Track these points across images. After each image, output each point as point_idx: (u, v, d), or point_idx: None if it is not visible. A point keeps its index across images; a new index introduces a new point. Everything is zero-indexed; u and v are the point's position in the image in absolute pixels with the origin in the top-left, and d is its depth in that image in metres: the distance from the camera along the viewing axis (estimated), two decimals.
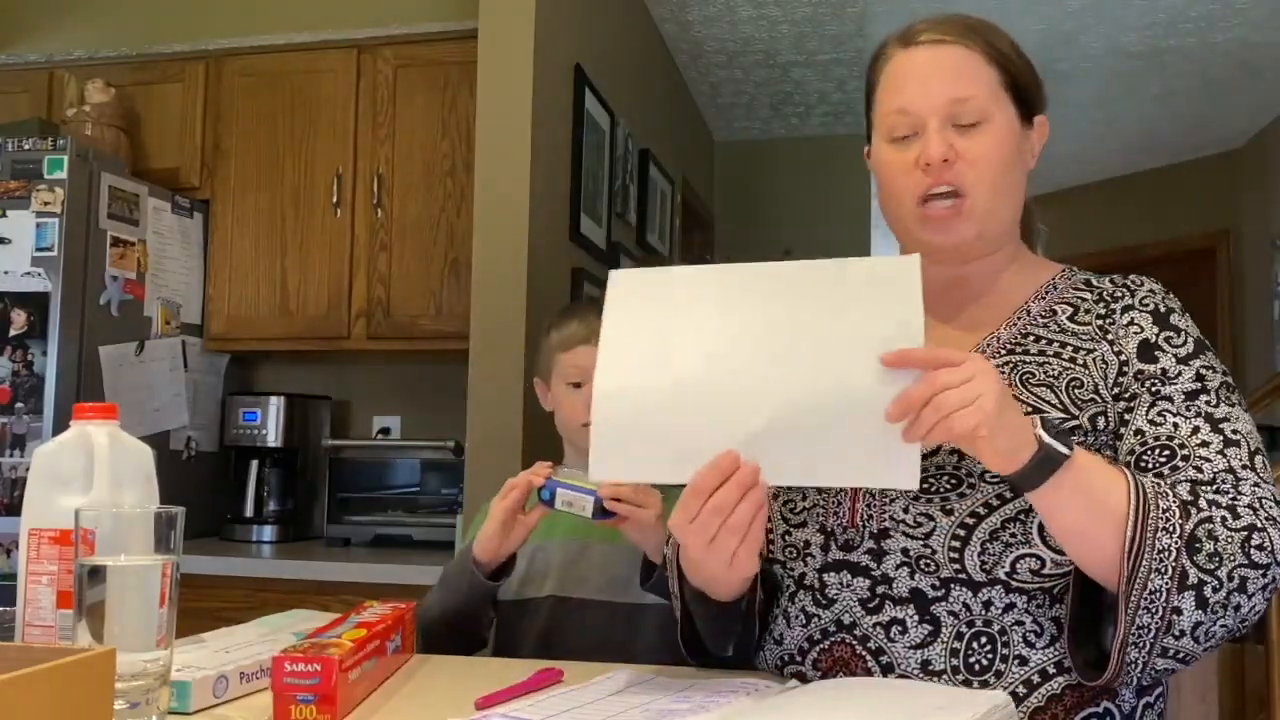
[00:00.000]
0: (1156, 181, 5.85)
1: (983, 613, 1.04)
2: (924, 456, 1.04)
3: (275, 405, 3.00)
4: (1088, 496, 0.96)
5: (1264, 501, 0.99)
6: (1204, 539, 0.96)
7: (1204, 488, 1.00)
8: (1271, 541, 0.97)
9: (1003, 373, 1.09)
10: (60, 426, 1.96)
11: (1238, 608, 0.96)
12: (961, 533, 1.04)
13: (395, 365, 3.23)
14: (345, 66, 2.99)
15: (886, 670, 1.06)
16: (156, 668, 0.90)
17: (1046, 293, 1.17)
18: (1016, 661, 1.04)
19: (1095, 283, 1.17)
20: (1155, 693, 1.10)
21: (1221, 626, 0.97)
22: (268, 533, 2.98)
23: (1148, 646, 0.96)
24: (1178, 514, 0.97)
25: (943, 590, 1.05)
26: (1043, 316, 1.14)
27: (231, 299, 3.04)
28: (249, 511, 3.01)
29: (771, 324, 1.00)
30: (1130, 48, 4.18)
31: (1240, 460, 1.02)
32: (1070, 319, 1.13)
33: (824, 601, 1.11)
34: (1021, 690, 1.02)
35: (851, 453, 0.97)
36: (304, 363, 3.27)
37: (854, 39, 4.17)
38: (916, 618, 1.06)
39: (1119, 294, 1.14)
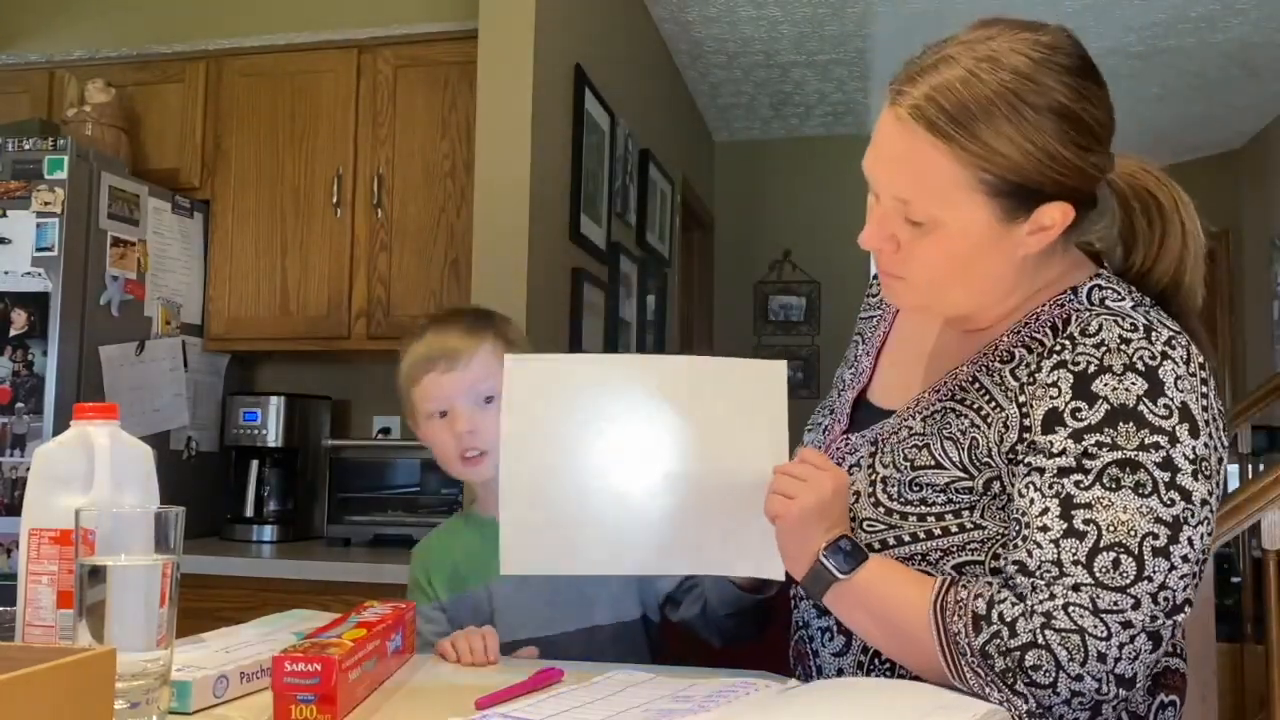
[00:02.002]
0: None
1: None
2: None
3: (275, 405, 3.00)
4: (870, 614, 1.04)
5: (1070, 609, 0.94)
6: (995, 655, 0.95)
7: (1022, 578, 0.97)
8: (1054, 658, 0.93)
9: (930, 421, 1.09)
10: (60, 426, 1.96)
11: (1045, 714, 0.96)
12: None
13: (395, 365, 3.23)
14: (345, 66, 2.99)
15: (819, 671, 1.15)
16: (156, 668, 0.90)
17: (1025, 324, 1.09)
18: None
19: (1068, 324, 1.05)
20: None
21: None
22: (268, 533, 2.98)
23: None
24: (964, 634, 0.97)
25: None
26: (1001, 361, 1.08)
27: (231, 299, 3.04)
28: (249, 511, 3.01)
29: (660, 423, 1.11)
30: (1130, 48, 4.18)
31: (1074, 555, 0.95)
32: (1013, 370, 1.06)
33: (799, 596, 1.20)
34: None
35: (725, 545, 1.11)
36: (304, 363, 3.27)
37: (854, 39, 4.17)
38: (836, 627, 1.13)
39: (1059, 346, 1.03)
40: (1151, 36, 4.10)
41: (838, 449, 1.18)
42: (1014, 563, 0.98)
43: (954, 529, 1.04)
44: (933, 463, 1.06)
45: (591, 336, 3.11)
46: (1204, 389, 1.00)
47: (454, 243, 2.86)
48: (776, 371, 1.11)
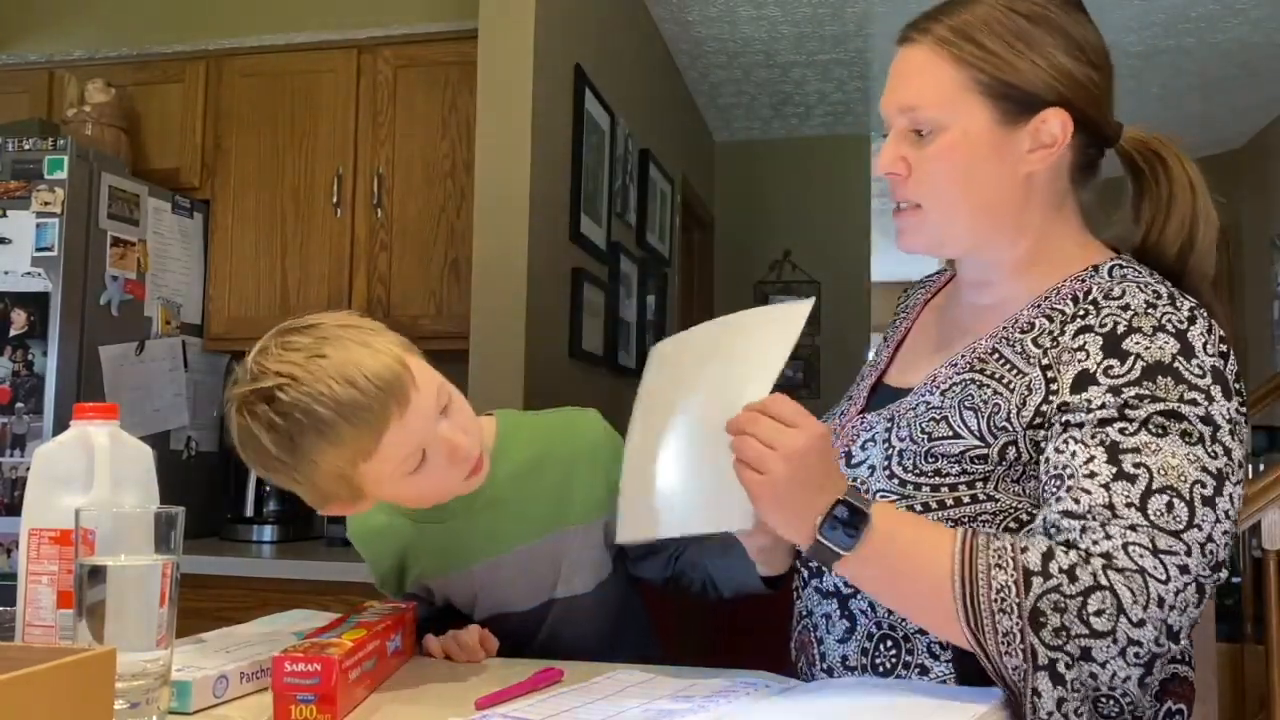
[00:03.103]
0: None
1: (888, 615, 1.07)
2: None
3: None
4: (894, 577, 0.98)
5: (1130, 548, 0.91)
6: (1048, 612, 0.90)
7: (1071, 522, 0.94)
8: (1118, 600, 0.90)
9: (949, 394, 1.08)
10: (60, 426, 1.96)
11: (1094, 676, 0.91)
12: None
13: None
14: (345, 66, 2.99)
15: (822, 659, 1.12)
16: (156, 668, 0.90)
17: (1046, 297, 1.10)
18: (918, 670, 1.05)
19: (1091, 293, 1.06)
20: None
21: (1094, 701, 0.92)
22: (268, 533, 2.98)
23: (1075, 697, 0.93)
24: (1014, 590, 0.91)
25: (852, 588, 1.08)
26: (1021, 331, 1.08)
27: (231, 299, 3.04)
28: (249, 511, 3.01)
29: (700, 381, 1.09)
30: (1130, 48, 4.18)
31: (1127, 497, 0.93)
32: (1035, 339, 1.06)
33: (802, 583, 1.19)
34: None
35: (701, 496, 1.04)
36: None
37: (854, 39, 4.17)
38: (839, 612, 1.11)
39: (1083, 311, 1.04)
40: (1151, 36, 4.10)
41: (854, 428, 1.18)
42: (1059, 512, 0.95)
43: (966, 500, 1.03)
44: (950, 433, 1.05)
45: (591, 336, 3.11)
46: (1226, 359, 1.00)
47: (454, 243, 2.86)
48: (797, 312, 1.02)
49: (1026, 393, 1.02)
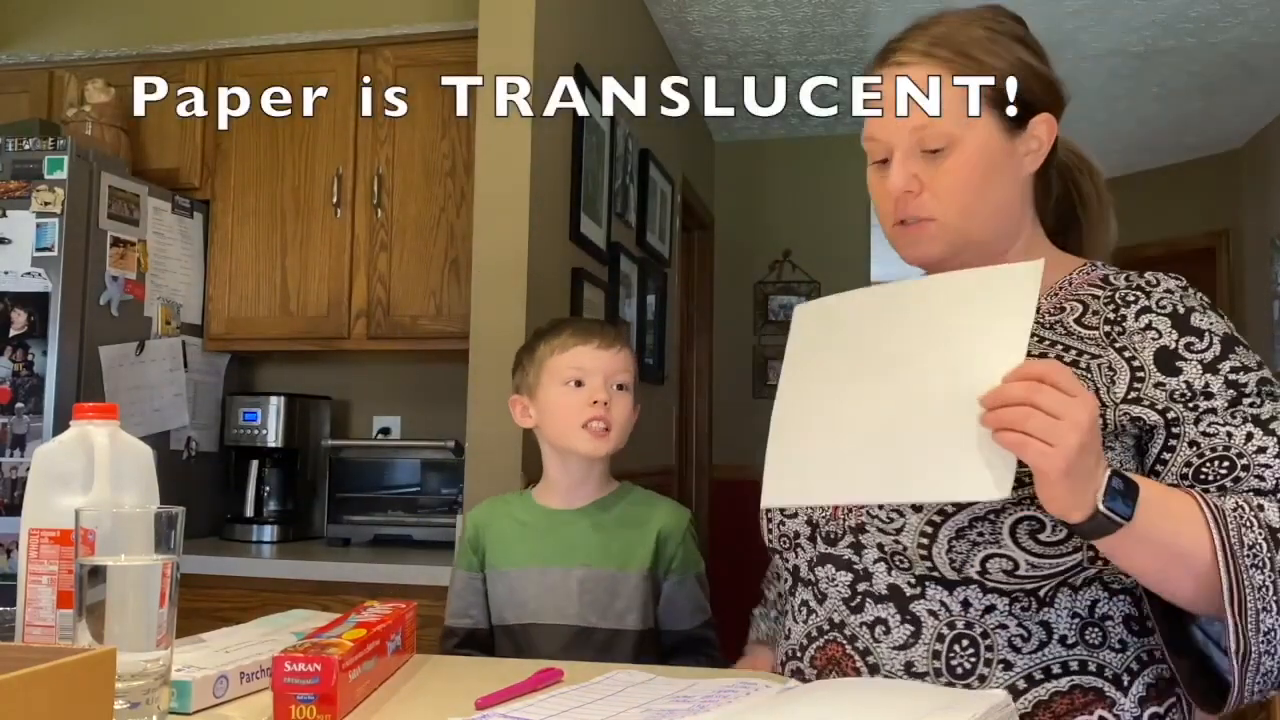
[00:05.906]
0: (1156, 181, 5.85)
1: (962, 613, 1.04)
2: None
3: (275, 405, 3.00)
4: (1155, 546, 0.96)
5: None
6: None
7: (1271, 498, 0.99)
8: None
9: None
10: (60, 426, 1.96)
11: None
12: (929, 529, 1.04)
13: (395, 365, 3.23)
14: (345, 66, 2.99)
15: (873, 670, 1.07)
16: (156, 668, 0.90)
17: (1059, 289, 1.15)
18: (1001, 666, 1.03)
19: (1112, 280, 1.13)
20: (1166, 703, 1.06)
21: None
22: (268, 533, 2.98)
23: (1272, 684, 0.97)
24: (1265, 547, 0.96)
25: (919, 588, 1.06)
26: (1050, 314, 1.12)
27: (231, 299, 3.04)
28: (249, 511, 3.01)
29: (906, 346, 1.03)
30: (1130, 48, 4.18)
31: None
32: (1078, 320, 1.10)
33: (819, 596, 1.13)
34: None
35: (942, 464, 0.97)
36: (304, 363, 3.27)
37: (854, 39, 4.17)
38: (898, 617, 1.06)
39: (1132, 296, 1.09)
40: (1151, 36, 4.10)
41: None
42: (1248, 490, 1.00)
43: (1027, 480, 0.96)
44: None
45: None
46: None
47: (454, 243, 2.86)
48: (1027, 273, 0.98)
49: (1111, 372, 1.05)
